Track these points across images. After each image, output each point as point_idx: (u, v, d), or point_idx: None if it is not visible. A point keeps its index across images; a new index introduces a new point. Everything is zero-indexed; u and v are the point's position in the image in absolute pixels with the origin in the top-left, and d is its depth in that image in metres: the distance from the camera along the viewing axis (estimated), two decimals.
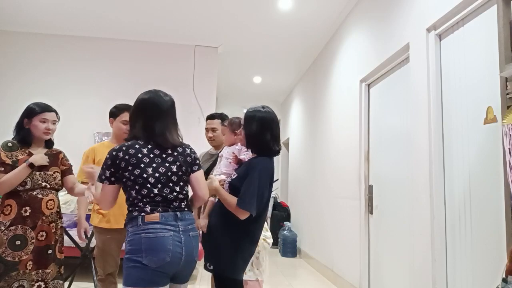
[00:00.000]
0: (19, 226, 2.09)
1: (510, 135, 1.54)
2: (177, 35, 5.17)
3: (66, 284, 3.36)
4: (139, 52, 5.36)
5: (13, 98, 4.98)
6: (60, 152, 2.36)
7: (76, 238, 3.60)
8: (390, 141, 3.26)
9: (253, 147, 1.99)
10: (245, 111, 2.10)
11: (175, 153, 1.73)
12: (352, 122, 3.97)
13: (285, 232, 6.15)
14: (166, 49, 5.41)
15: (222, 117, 2.86)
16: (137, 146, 1.68)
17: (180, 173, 1.71)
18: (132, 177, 1.63)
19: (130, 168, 1.63)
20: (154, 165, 1.66)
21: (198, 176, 1.79)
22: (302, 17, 4.49)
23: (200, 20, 4.70)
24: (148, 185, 1.63)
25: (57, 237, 2.25)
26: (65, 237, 3.26)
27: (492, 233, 2.02)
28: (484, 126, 2.10)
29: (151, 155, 1.68)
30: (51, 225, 2.19)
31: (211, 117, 2.89)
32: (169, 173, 1.68)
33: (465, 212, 2.25)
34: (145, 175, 1.63)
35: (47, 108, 2.27)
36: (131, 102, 1.95)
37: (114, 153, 1.67)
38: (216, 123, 2.81)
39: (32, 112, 2.21)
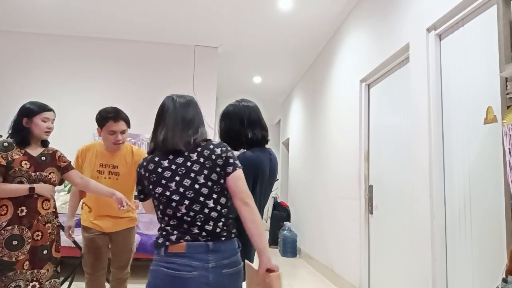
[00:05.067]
0: (16, 226, 2.07)
1: (510, 135, 1.53)
2: (177, 35, 5.17)
3: (66, 284, 3.37)
4: (139, 52, 5.36)
5: (13, 97, 4.98)
6: (56, 151, 2.32)
7: (76, 238, 3.61)
8: (390, 141, 3.25)
9: (230, 145, 1.82)
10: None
11: (201, 158, 1.45)
12: (352, 122, 3.96)
13: (285, 232, 6.15)
14: (166, 49, 5.41)
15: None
16: (156, 159, 1.47)
17: (210, 182, 1.43)
18: (156, 195, 1.44)
19: (151, 186, 1.45)
20: (177, 178, 1.42)
21: (235, 176, 1.46)
22: (302, 18, 4.49)
23: (200, 20, 4.70)
24: (173, 204, 1.40)
25: (53, 237, 2.23)
26: (65, 237, 3.28)
27: (492, 233, 2.02)
28: (484, 126, 2.10)
29: (173, 166, 1.44)
30: (46, 225, 2.18)
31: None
32: (197, 185, 1.42)
33: (465, 212, 2.25)
34: (167, 193, 1.41)
35: (47, 107, 2.24)
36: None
37: (138, 169, 1.51)
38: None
39: (31, 111, 2.18)
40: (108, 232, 2.49)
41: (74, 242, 3.52)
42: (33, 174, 2.13)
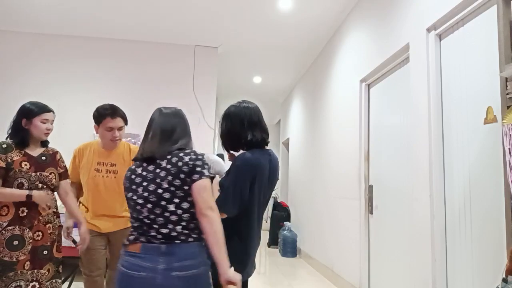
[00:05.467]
0: (17, 227, 2.07)
1: (510, 135, 1.53)
2: (177, 35, 5.17)
3: (66, 284, 3.37)
4: (139, 52, 5.36)
5: (13, 97, 4.97)
6: (57, 152, 2.31)
7: (76, 238, 3.61)
8: (390, 141, 3.26)
9: (231, 145, 1.88)
10: None
11: (168, 165, 1.48)
12: (352, 122, 3.97)
13: (285, 232, 6.15)
14: (166, 49, 5.41)
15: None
16: (133, 167, 1.59)
17: (172, 187, 1.45)
18: (127, 200, 1.55)
19: (125, 192, 1.56)
20: (145, 183, 1.49)
21: (199, 185, 1.46)
22: (302, 17, 4.49)
23: (200, 20, 4.70)
24: (138, 207, 1.48)
25: (54, 237, 2.23)
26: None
27: (492, 233, 2.02)
28: (484, 126, 2.10)
29: (144, 173, 1.52)
30: (47, 225, 2.18)
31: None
32: (160, 190, 1.46)
33: (465, 212, 2.25)
34: (135, 197, 1.50)
35: (46, 108, 2.22)
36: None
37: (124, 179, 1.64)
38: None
39: (30, 112, 2.16)
40: (105, 232, 2.46)
41: (74, 241, 3.52)
42: (33, 174, 2.12)
